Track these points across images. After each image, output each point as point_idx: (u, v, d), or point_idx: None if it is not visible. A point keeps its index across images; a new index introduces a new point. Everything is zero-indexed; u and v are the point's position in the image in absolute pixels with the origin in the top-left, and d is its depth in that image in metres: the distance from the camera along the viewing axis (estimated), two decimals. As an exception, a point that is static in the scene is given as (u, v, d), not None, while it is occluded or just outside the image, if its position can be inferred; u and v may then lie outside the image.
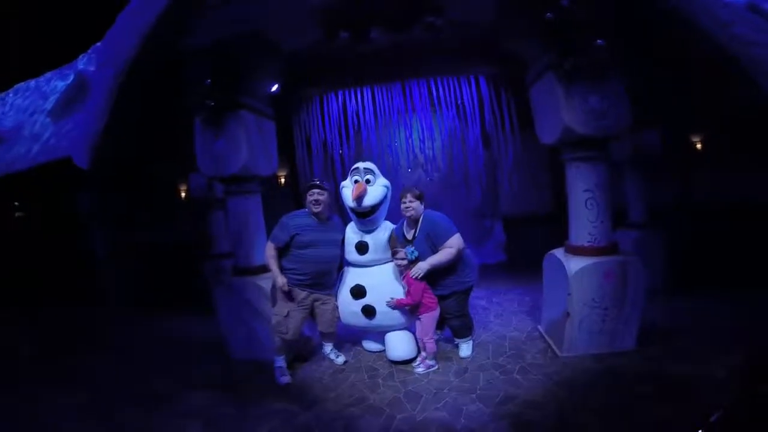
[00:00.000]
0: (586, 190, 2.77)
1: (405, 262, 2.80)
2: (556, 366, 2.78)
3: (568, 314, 2.75)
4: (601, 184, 2.77)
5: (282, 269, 2.95)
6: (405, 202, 2.88)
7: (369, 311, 2.96)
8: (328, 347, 3.23)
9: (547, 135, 2.90)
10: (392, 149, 5.21)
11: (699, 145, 5.57)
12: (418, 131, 5.14)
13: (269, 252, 2.93)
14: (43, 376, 3.38)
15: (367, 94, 4.94)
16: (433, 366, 2.90)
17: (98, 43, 6.58)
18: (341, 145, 5.18)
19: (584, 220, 2.79)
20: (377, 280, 2.99)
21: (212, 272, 5.09)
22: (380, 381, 2.84)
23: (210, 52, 2.85)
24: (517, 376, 2.71)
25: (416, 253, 2.80)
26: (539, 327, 3.37)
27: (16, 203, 8.62)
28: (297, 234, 2.87)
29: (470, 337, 3.09)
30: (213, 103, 2.87)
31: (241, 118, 3.07)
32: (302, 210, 3.05)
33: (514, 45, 3.03)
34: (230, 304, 3.26)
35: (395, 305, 2.89)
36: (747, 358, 1.41)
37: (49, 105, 5.80)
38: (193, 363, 3.43)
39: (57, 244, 6.95)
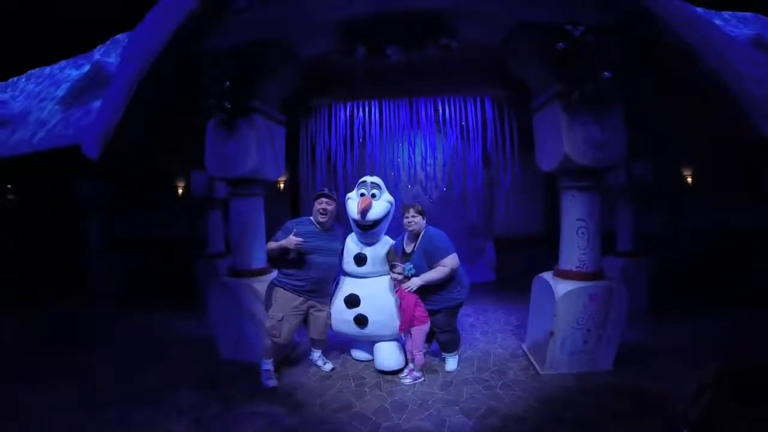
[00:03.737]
0: (579, 219, 2.91)
1: (401, 276, 2.89)
2: (538, 383, 2.88)
3: (552, 334, 2.85)
4: (593, 213, 2.91)
5: (281, 275, 3.06)
6: (408, 217, 3.00)
7: (361, 321, 3.03)
8: (316, 354, 3.27)
9: (547, 162, 3.05)
10: (395, 164, 5.33)
11: (689, 179, 5.81)
12: (422, 148, 5.27)
13: (269, 246, 3.01)
14: (33, 371, 3.35)
15: (375, 107, 5.08)
16: (419, 378, 2.96)
17: (119, 35, 6.72)
18: (345, 155, 5.29)
19: (575, 247, 2.92)
20: (371, 291, 3.07)
21: (205, 272, 5.11)
22: (367, 390, 2.88)
23: (230, 56, 2.96)
24: (500, 391, 2.79)
25: (414, 270, 2.90)
26: (523, 345, 3.47)
27: (9, 186, 8.56)
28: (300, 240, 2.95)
29: (456, 352, 3.17)
30: (229, 106, 2.96)
31: (254, 122, 3.18)
32: (306, 217, 3.17)
33: (523, 71, 3.17)
34: (223, 304, 3.30)
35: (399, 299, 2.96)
36: (716, 375, 1.52)
37: (60, 93, 5.87)
38: (181, 361, 3.46)
39: (50, 232, 6.91)
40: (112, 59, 5.96)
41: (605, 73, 2.44)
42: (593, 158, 2.72)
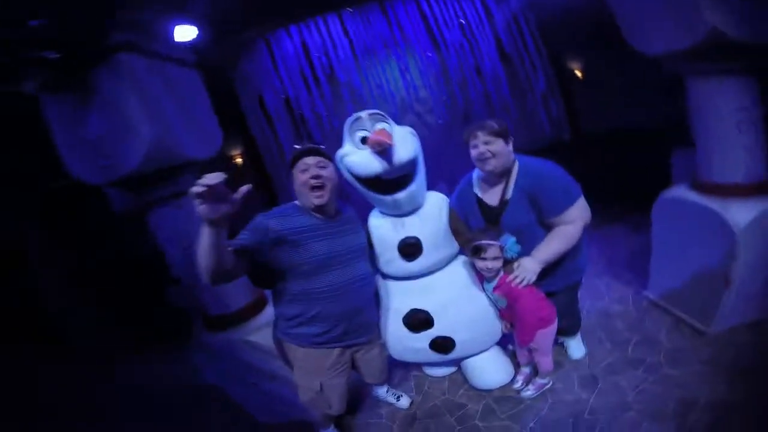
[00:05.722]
0: (739, 109, 1.84)
1: (498, 263, 1.71)
2: (713, 347, 2.02)
3: (727, 282, 1.94)
4: (756, 101, 1.86)
5: (284, 322, 1.71)
6: (477, 146, 1.72)
7: (443, 346, 1.94)
8: (382, 390, 2.24)
9: (669, 39, 1.84)
10: (385, 91, 3.94)
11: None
12: (417, 63, 3.90)
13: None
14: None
15: (335, 25, 3.59)
16: (546, 384, 2.03)
17: None
18: (311, 97, 3.84)
19: (737, 148, 1.88)
20: (447, 297, 1.89)
21: (178, 300, 3.70)
22: (480, 425, 1.95)
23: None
24: (671, 371, 1.94)
25: (518, 247, 1.70)
26: (647, 293, 2.54)
27: None
28: (289, 246, 1.56)
29: (579, 333, 2.22)
30: (57, 55, 1.46)
31: (123, 66, 1.70)
32: (291, 203, 1.72)
33: None
34: (224, 370, 2.12)
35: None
36: None
37: None
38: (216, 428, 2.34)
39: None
40: None
41: None
42: (753, 31, 1.61)
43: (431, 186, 1.97)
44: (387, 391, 2.24)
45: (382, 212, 1.88)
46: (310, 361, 1.72)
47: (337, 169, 1.72)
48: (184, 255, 2.01)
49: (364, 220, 1.91)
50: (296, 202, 1.69)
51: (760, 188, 1.89)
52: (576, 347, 2.20)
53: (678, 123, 3.56)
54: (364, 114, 1.71)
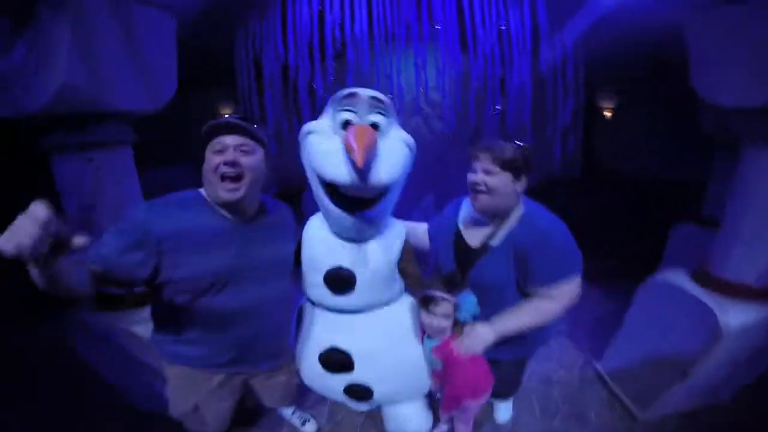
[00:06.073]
0: None
1: (447, 323, 1.45)
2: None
3: (684, 376, 1.76)
4: None
5: (161, 337, 1.38)
6: (476, 171, 1.35)
7: (359, 393, 1.65)
8: (287, 409, 2.07)
9: (745, 93, 1.56)
10: (394, 83, 3.61)
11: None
12: (437, 60, 3.55)
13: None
14: None
15: (360, -4, 3.24)
16: (458, 446, 1.86)
17: None
18: (313, 70, 3.53)
19: (764, 244, 1.65)
20: (375, 341, 1.57)
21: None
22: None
23: None
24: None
25: (476, 311, 1.41)
26: (597, 365, 2.38)
27: None
28: (176, 251, 1.18)
29: (512, 397, 2.04)
30: None
31: (68, 2, 1.47)
32: (189, 192, 1.29)
33: None
34: (103, 352, 1.96)
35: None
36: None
37: None
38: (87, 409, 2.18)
39: None
40: None
41: None
42: None
43: (419, 196, 1.69)
44: (293, 413, 2.05)
45: (323, 226, 1.48)
46: (184, 381, 1.44)
47: (271, 156, 1.31)
48: (79, 213, 1.78)
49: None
50: (201, 190, 1.28)
51: (762, 293, 1.69)
52: (504, 410, 2.02)
53: (694, 195, 3.27)
54: (362, 92, 1.25)
